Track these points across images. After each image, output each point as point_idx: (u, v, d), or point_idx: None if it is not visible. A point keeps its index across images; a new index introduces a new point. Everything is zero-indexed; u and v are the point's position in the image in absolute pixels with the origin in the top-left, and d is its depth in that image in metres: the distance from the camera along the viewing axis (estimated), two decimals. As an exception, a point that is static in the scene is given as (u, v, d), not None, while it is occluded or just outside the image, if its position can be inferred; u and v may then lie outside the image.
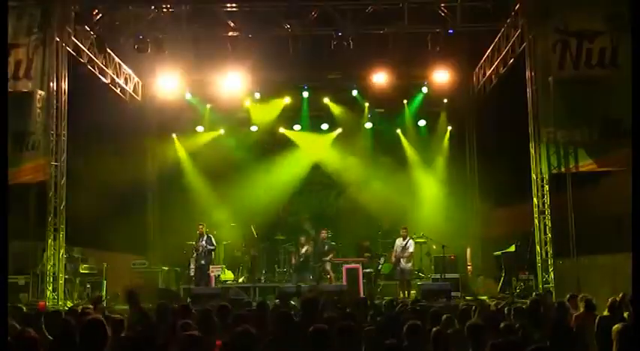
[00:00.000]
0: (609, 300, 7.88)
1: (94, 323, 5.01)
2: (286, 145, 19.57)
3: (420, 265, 16.61)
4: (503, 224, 16.72)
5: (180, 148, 19.34)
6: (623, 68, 12.64)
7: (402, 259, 15.72)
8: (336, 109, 18.98)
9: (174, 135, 19.31)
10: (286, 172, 19.45)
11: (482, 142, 18.40)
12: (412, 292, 15.43)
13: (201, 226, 16.10)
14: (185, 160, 19.31)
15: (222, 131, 19.39)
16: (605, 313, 7.73)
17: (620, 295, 7.96)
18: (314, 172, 19.65)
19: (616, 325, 5.35)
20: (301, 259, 16.40)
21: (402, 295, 14.94)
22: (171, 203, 18.62)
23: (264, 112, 19.06)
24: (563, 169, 13.11)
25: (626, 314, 7.49)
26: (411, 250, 15.82)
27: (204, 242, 15.92)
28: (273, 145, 19.54)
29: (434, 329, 5.86)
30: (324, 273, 16.13)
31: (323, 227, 16.99)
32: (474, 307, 8.11)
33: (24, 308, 8.20)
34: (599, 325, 6.90)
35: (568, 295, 9.10)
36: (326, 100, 18.85)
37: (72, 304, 12.30)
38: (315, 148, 19.68)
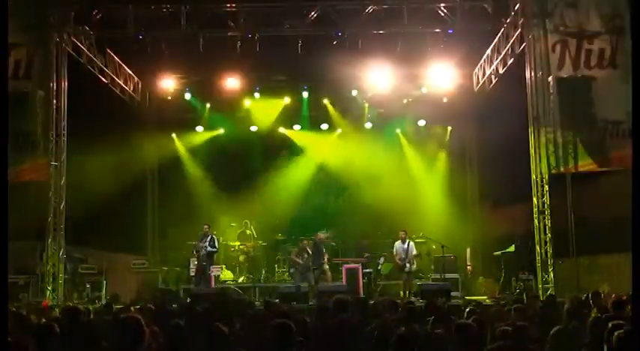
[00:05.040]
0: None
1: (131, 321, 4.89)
2: (285, 144, 19.59)
3: (420, 265, 16.58)
4: (503, 224, 16.70)
5: (180, 148, 19.35)
6: (622, 68, 12.66)
7: (407, 263, 15.62)
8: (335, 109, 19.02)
9: (173, 135, 19.31)
10: (284, 171, 19.46)
11: (482, 142, 18.39)
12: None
13: (206, 227, 16.00)
14: (185, 160, 19.32)
15: (221, 131, 19.39)
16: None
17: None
18: (315, 173, 19.64)
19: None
20: (301, 260, 16.35)
21: (402, 295, 14.95)
22: (171, 203, 18.60)
23: (265, 113, 19.07)
24: (562, 169, 13.11)
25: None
26: (415, 252, 15.77)
27: (206, 243, 15.79)
28: (272, 145, 19.54)
29: None
30: (322, 273, 16.10)
31: (322, 228, 16.95)
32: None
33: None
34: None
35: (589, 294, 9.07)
36: (326, 101, 18.87)
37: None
38: (315, 148, 19.68)
